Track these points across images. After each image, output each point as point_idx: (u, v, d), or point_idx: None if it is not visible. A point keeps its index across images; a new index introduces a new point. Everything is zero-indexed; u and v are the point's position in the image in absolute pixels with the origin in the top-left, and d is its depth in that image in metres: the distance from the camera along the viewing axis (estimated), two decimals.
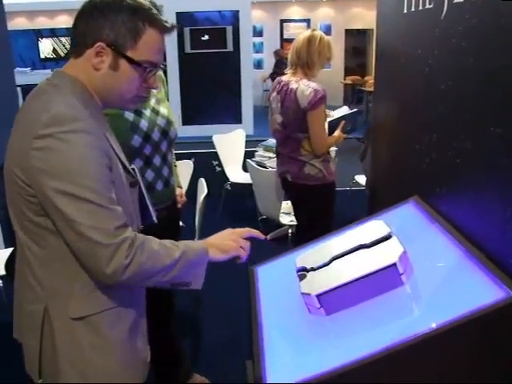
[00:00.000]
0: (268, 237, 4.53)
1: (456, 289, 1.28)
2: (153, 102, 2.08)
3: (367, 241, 1.55)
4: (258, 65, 13.53)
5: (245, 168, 4.66)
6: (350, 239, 1.62)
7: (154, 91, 2.11)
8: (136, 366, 1.42)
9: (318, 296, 1.33)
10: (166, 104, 2.16)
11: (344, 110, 3.36)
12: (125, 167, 1.36)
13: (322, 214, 3.03)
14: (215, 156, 5.27)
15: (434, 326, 1.17)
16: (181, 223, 3.66)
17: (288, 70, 3.03)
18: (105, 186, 1.19)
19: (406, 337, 1.18)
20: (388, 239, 1.52)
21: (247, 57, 8.58)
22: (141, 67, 1.27)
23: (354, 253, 1.43)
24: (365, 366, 1.17)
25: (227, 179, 5.13)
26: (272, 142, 4.65)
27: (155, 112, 2.07)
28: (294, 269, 1.59)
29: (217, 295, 3.42)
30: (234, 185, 5.14)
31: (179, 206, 2.32)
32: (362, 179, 4.89)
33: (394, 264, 1.30)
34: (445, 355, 1.20)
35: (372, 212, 2.66)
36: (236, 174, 5.06)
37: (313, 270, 1.53)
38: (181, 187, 2.40)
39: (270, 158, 4.49)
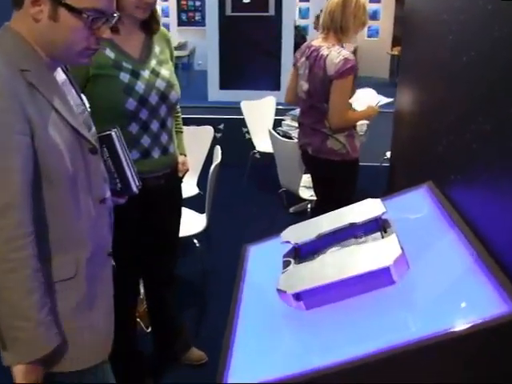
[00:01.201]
0: (290, 210, 4.40)
1: (452, 296, 1.12)
2: (153, 62, 1.94)
3: (358, 219, 1.42)
4: (303, 31, 13.12)
5: None
6: (342, 216, 1.49)
7: (157, 51, 1.97)
8: (82, 344, 1.32)
9: (295, 294, 1.19)
10: (169, 66, 2.01)
11: (369, 93, 3.14)
12: (78, 133, 1.24)
13: (342, 192, 2.86)
14: (245, 123, 5.12)
15: (422, 335, 1.03)
16: (197, 190, 3.62)
17: (319, 35, 2.83)
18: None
19: (389, 346, 1.04)
20: (382, 222, 1.38)
21: (289, 22, 8.27)
22: (83, 15, 1.13)
23: (346, 249, 1.28)
24: (337, 373, 1.04)
25: (255, 147, 4.99)
26: None
27: (155, 74, 1.93)
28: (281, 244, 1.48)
29: (225, 275, 3.33)
30: (261, 153, 4.99)
31: (180, 174, 2.20)
32: None
33: (388, 268, 1.14)
34: (430, 369, 1.06)
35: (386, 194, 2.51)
36: (263, 143, 4.90)
37: (297, 246, 1.42)
38: (185, 155, 2.27)
39: (297, 127, 4.30)
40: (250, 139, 5.08)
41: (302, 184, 3.75)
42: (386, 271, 1.13)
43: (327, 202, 2.95)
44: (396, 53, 12.36)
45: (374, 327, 1.10)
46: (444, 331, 1.02)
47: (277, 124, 4.85)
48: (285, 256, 1.46)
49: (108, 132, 1.38)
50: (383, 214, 1.43)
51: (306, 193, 3.77)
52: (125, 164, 1.43)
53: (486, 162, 1.29)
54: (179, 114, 2.27)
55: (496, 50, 1.22)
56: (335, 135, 2.74)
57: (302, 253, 1.43)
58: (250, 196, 4.82)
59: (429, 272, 1.19)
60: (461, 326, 1.02)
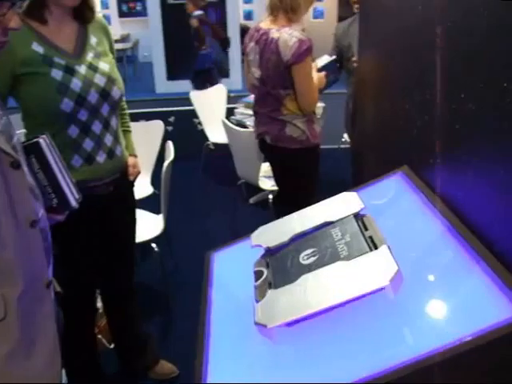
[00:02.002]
0: (250, 201, 4.23)
1: (452, 299, 0.99)
2: (90, 56, 1.72)
3: (334, 217, 1.27)
4: (248, 16, 12.89)
5: None
6: (316, 214, 1.34)
7: (93, 43, 1.76)
8: None
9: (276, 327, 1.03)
10: (108, 58, 1.80)
11: (325, 59, 2.98)
12: None
13: (305, 180, 2.72)
14: (197, 114, 4.91)
15: (424, 352, 0.89)
16: (152, 189, 3.41)
17: (267, 17, 2.65)
18: None
19: (386, 367, 0.89)
20: (361, 219, 1.24)
21: (234, 7, 8.07)
22: None
23: (330, 266, 1.11)
24: None
25: (208, 139, 4.80)
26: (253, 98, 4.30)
27: (93, 68, 1.71)
28: (251, 248, 1.33)
29: (189, 278, 3.15)
30: (215, 145, 4.80)
31: (131, 178, 2.00)
32: None
33: (384, 289, 0.98)
34: None
35: (356, 182, 2.37)
36: (216, 134, 4.71)
37: (270, 251, 1.26)
38: (135, 155, 2.07)
39: (251, 115, 4.12)
40: (203, 130, 4.89)
41: (261, 174, 3.59)
42: (380, 291, 0.98)
43: (290, 191, 2.81)
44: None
45: (366, 345, 0.96)
46: (453, 344, 0.88)
47: (229, 113, 4.67)
48: (256, 265, 1.30)
49: (35, 140, 1.18)
50: (362, 210, 1.29)
51: (267, 183, 3.62)
52: (59, 175, 1.22)
53: (470, 144, 1.15)
54: (125, 111, 2.06)
55: (479, 19, 1.08)
56: (294, 121, 2.59)
57: (275, 258, 1.27)
58: (207, 190, 4.62)
59: (423, 275, 1.05)
60: (470, 336, 0.88)
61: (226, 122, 3.63)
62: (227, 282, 1.39)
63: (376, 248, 1.13)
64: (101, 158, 1.77)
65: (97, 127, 1.74)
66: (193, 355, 2.46)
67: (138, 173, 2.06)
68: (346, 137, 4.59)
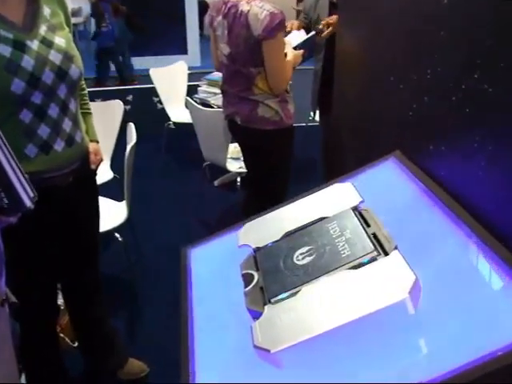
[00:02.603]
0: (215, 183, 4.06)
1: (477, 309, 0.86)
2: (43, 29, 1.51)
3: (330, 212, 1.14)
4: None
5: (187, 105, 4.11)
6: (309, 208, 1.21)
7: (47, 14, 1.54)
8: None
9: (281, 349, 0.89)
10: (64, 32, 1.59)
11: (301, 35, 2.81)
12: None
13: (278, 163, 2.57)
14: (156, 92, 4.67)
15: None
16: (112, 174, 3.20)
17: None
18: None
19: None
20: (360, 213, 1.11)
21: None
22: None
23: (335, 275, 0.98)
24: None
25: (169, 118, 4.58)
26: (218, 75, 4.10)
27: (46, 44, 1.50)
28: (237, 247, 1.19)
29: (156, 269, 2.98)
30: (176, 124, 4.59)
31: (93, 166, 1.81)
32: (318, 115, 4.44)
33: (403, 301, 0.86)
34: None
35: (331, 166, 2.25)
36: (178, 113, 4.51)
37: (259, 250, 1.13)
38: (96, 141, 1.88)
39: (216, 94, 3.95)
40: (163, 109, 4.66)
41: (228, 155, 3.43)
42: (400, 305, 0.86)
43: (262, 174, 2.67)
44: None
45: (386, 366, 0.83)
46: (483, 360, 0.77)
47: (192, 91, 4.46)
48: (244, 267, 1.16)
49: None
50: (360, 203, 1.16)
51: (234, 165, 3.46)
52: (9, 171, 1.04)
53: (486, 130, 1.03)
54: (85, 92, 1.85)
55: None
56: (266, 101, 2.43)
57: (265, 258, 1.14)
58: (170, 173, 4.41)
59: (438, 279, 0.93)
60: (501, 351, 0.77)
61: (191, 101, 3.44)
62: (208, 284, 1.24)
63: (381, 247, 1.02)
64: (59, 146, 1.57)
65: (53, 111, 1.54)
66: (163, 351, 2.34)
67: (101, 160, 1.87)
68: (313, 114, 4.46)
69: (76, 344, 2.28)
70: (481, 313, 0.85)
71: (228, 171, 3.61)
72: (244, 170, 3.26)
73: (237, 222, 2.83)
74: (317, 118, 4.46)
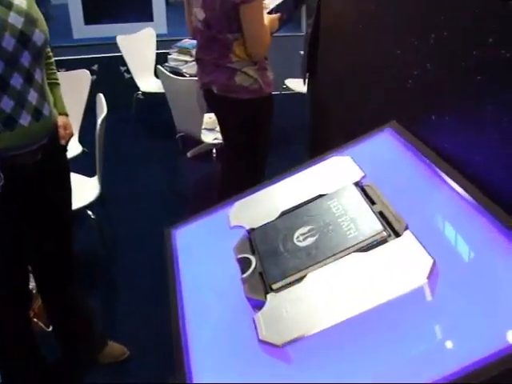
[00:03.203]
0: (188, 154, 3.92)
1: (499, 292, 0.79)
2: None
3: (330, 189, 1.05)
4: None
5: (157, 74, 3.93)
6: (306, 185, 1.12)
7: None
8: None
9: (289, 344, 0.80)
10: None
11: None
12: None
13: (258, 133, 2.46)
14: (123, 60, 4.47)
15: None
16: (81, 148, 3.04)
17: None
18: None
19: None
20: (363, 190, 1.03)
21: None
22: None
23: (344, 260, 0.90)
24: None
25: (138, 88, 4.40)
26: (189, 42, 3.93)
27: (5, 5, 1.35)
28: (229, 227, 1.10)
29: (131, 246, 2.85)
30: (146, 94, 4.42)
31: (62, 142, 1.67)
32: (293, 83, 4.34)
33: (421, 288, 0.78)
34: None
35: (316, 137, 2.15)
36: (147, 82, 4.33)
37: (253, 231, 1.04)
38: (65, 114, 1.74)
39: (187, 62, 3.79)
40: (132, 79, 4.47)
41: (203, 126, 3.31)
42: (417, 292, 0.78)
43: (240, 146, 2.56)
44: None
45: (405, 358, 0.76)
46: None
47: (161, 60, 4.28)
48: (238, 250, 1.06)
49: None
50: (362, 178, 1.08)
51: (209, 136, 3.35)
52: None
53: (503, 101, 0.95)
54: (51, 61, 1.69)
55: None
56: (244, 69, 2.30)
57: (261, 240, 1.04)
58: (141, 145, 4.25)
59: (454, 261, 0.85)
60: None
61: (162, 69, 3.28)
62: (199, 271, 1.14)
63: (391, 227, 0.93)
64: (25, 120, 1.43)
65: (17, 82, 1.39)
66: (142, 334, 2.25)
67: (71, 135, 1.73)
68: (287, 83, 4.34)
69: (50, 328, 2.18)
70: (501, 298, 0.77)
71: (202, 142, 3.48)
72: (220, 141, 3.16)
73: (214, 196, 2.74)
74: (291, 85, 4.36)
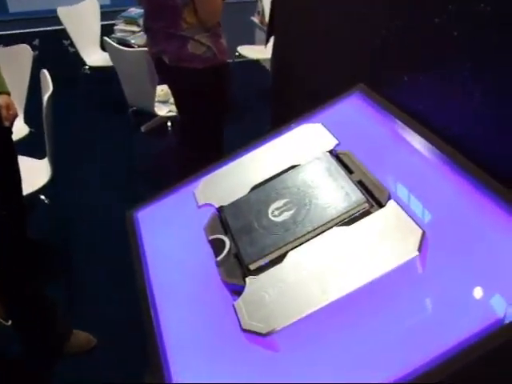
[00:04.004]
0: (142, 129, 3.78)
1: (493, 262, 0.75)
2: None
3: (303, 159, 0.99)
4: None
5: (103, 47, 3.74)
6: (276, 155, 1.06)
7: None
8: None
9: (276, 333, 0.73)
10: None
11: None
12: None
13: (214, 103, 2.37)
14: (66, 34, 4.23)
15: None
16: (28, 129, 2.87)
17: None
18: None
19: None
20: (338, 159, 0.97)
21: None
22: None
23: (327, 234, 0.83)
24: None
25: (85, 62, 4.19)
26: (135, 12, 3.76)
27: None
28: (196, 206, 1.04)
29: (88, 230, 2.72)
30: (93, 68, 4.21)
31: (6, 123, 1.54)
32: (246, 50, 4.23)
33: (413, 260, 0.73)
34: None
35: (277, 115, 2.06)
36: (94, 56, 4.13)
37: (223, 209, 0.97)
38: (7, 93, 1.60)
39: (134, 32, 3.62)
40: (77, 53, 4.25)
41: (156, 99, 3.18)
42: (408, 266, 0.73)
43: (196, 117, 2.46)
44: None
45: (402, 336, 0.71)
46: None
47: (106, 32, 4.07)
48: (209, 230, 0.99)
49: None
50: (336, 146, 1.01)
51: (163, 109, 3.22)
52: None
53: (481, 58, 0.90)
54: None
55: None
56: (196, 37, 2.20)
57: (232, 217, 0.97)
58: (91, 122, 4.05)
59: (442, 231, 0.81)
60: None
61: (110, 41, 3.11)
62: (167, 256, 1.06)
63: (373, 197, 0.88)
64: None
65: None
66: (109, 320, 2.16)
67: (15, 116, 1.60)
68: (239, 50, 4.23)
69: (10, 323, 2.06)
70: (493, 269, 0.73)
71: (156, 116, 3.36)
72: (174, 113, 3.05)
73: (173, 171, 2.64)
74: (245, 53, 4.25)
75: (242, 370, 0.74)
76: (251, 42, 4.64)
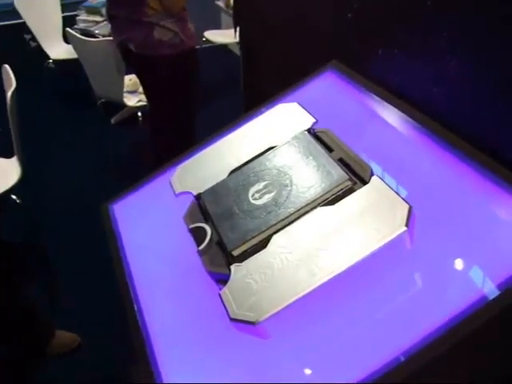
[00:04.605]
0: (112, 121, 3.69)
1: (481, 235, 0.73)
2: None
3: (279, 139, 0.97)
4: None
5: (67, 39, 3.63)
6: (252, 138, 1.03)
7: None
8: None
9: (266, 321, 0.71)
10: None
11: None
12: None
13: (184, 90, 2.32)
14: (27, 28, 4.09)
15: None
16: None
17: None
18: None
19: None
20: (316, 137, 0.95)
21: None
22: None
23: (311, 214, 0.81)
24: None
25: (48, 56, 4.07)
26: (97, 1, 3.67)
27: None
28: (174, 195, 1.01)
29: (63, 228, 2.65)
30: (57, 62, 4.10)
31: None
32: (213, 35, 4.16)
33: (403, 235, 0.71)
34: None
35: (249, 99, 2.02)
36: (57, 49, 4.01)
37: (202, 196, 0.94)
38: None
39: (98, 22, 3.53)
40: (39, 47, 4.12)
41: (124, 89, 3.10)
42: (397, 242, 0.71)
43: (165, 106, 2.41)
44: None
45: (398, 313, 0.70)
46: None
47: (69, 23, 3.95)
48: (188, 219, 0.96)
49: None
50: (314, 124, 0.99)
51: (132, 99, 3.15)
52: None
53: (456, 22, 0.88)
54: None
55: None
56: (162, 22, 2.14)
57: (212, 204, 0.94)
58: (60, 117, 3.93)
59: (429, 206, 0.79)
60: None
61: (73, 32, 3.02)
62: (146, 249, 1.03)
63: (355, 174, 0.86)
64: None
65: None
66: (91, 316, 2.12)
67: None
68: (206, 35, 4.16)
69: None
70: (482, 242, 0.72)
71: (126, 106, 3.29)
72: (144, 103, 2.99)
73: (147, 162, 2.58)
74: (212, 37, 4.18)
75: (233, 360, 0.72)
76: (217, 26, 4.57)
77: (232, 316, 0.71)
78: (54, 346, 1.98)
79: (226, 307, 0.73)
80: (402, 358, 0.65)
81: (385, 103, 1.02)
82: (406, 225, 0.71)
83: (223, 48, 4.44)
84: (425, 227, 0.75)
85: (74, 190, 2.92)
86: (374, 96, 1.05)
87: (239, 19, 1.93)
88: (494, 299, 0.65)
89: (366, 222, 0.74)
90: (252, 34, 1.80)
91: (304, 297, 0.70)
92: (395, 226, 0.72)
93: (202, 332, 0.78)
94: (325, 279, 0.70)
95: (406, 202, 0.74)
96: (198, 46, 3.61)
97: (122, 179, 2.88)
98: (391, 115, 1.00)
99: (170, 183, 1.05)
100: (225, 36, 4.08)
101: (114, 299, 1.00)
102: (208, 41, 4.17)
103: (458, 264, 0.71)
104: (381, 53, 1.08)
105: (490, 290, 0.66)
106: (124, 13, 2.18)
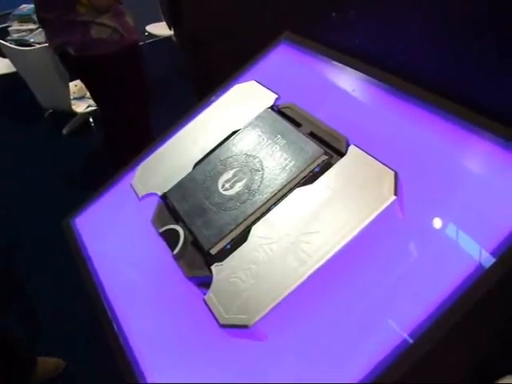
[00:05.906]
0: (64, 132, 3.53)
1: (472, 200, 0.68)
2: None
3: (241, 121, 0.90)
4: None
5: (2, 53, 3.45)
6: (212, 125, 0.95)
7: None
8: None
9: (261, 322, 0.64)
10: None
11: None
12: None
13: (131, 90, 2.21)
14: None
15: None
16: None
17: None
18: None
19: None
20: (281, 113, 0.88)
21: None
22: None
23: (289, 198, 0.74)
24: None
25: None
26: (27, 8, 3.49)
27: None
28: (137, 199, 0.92)
29: (31, 255, 2.52)
30: None
31: None
32: (155, 29, 4.02)
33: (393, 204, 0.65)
34: None
35: (200, 89, 1.93)
36: None
37: (168, 195, 0.86)
38: None
39: (32, 30, 3.36)
40: None
41: (71, 96, 2.96)
42: (388, 212, 0.65)
43: (115, 107, 2.29)
44: None
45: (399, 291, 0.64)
46: None
47: (1, 35, 3.75)
48: (157, 222, 0.88)
49: None
50: (276, 101, 0.92)
51: (81, 106, 3.02)
52: None
53: None
54: None
55: None
56: (98, 19, 2.02)
57: (180, 202, 0.86)
58: (7, 136, 3.71)
59: (414, 173, 0.73)
60: None
61: (7, 44, 2.86)
62: (116, 260, 0.95)
63: (330, 147, 0.79)
64: None
65: None
66: (72, 339, 2.02)
67: None
68: (148, 29, 4.02)
69: None
70: (477, 206, 0.67)
71: (76, 114, 3.14)
72: (94, 107, 2.86)
73: (106, 170, 2.48)
74: (154, 31, 4.05)
75: (229, 368, 0.65)
76: (158, 19, 4.43)
77: (222, 322, 0.64)
78: (39, 373, 1.87)
79: (213, 313, 0.66)
80: (411, 341, 0.59)
81: (344, 67, 0.96)
82: (395, 193, 0.65)
83: (168, 41, 4.30)
84: (412, 193, 0.69)
85: (33, 208, 2.79)
86: (332, 61, 0.99)
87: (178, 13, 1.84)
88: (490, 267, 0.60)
89: (351, 197, 0.68)
90: (198, 23, 1.71)
91: (297, 288, 0.64)
92: (383, 197, 0.65)
93: (190, 342, 0.71)
94: (316, 266, 0.64)
95: (391, 169, 0.68)
96: (141, 43, 3.49)
97: (81, 190, 2.77)
98: (353, 79, 0.94)
99: (132, 187, 0.97)
100: (167, 29, 3.94)
101: (93, 316, 0.92)
102: (151, 35, 4.03)
103: (452, 232, 0.65)
104: (334, 16, 1.01)
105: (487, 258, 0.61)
106: (55, 15, 2.05)
